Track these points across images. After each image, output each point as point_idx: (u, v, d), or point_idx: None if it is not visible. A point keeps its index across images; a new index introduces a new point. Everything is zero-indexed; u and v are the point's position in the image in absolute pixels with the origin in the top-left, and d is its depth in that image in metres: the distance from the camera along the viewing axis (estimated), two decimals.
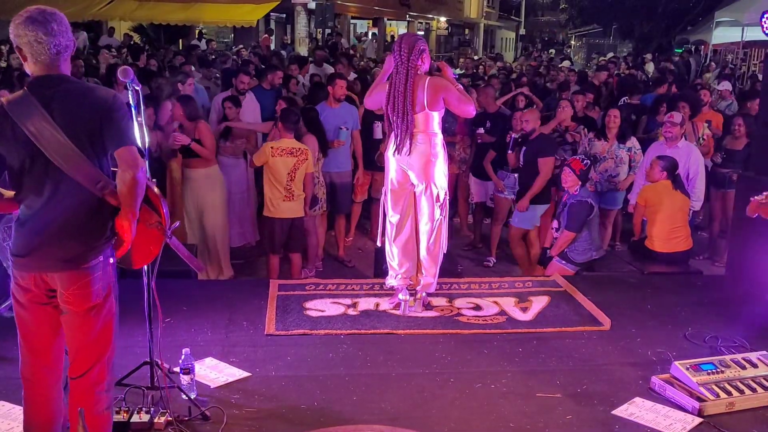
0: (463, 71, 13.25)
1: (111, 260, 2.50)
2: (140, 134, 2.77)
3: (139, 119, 2.76)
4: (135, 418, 2.96)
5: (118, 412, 2.90)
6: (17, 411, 3.07)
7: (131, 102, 2.73)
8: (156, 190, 2.63)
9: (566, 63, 17.40)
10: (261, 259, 6.30)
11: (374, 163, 6.55)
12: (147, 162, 2.77)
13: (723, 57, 18.35)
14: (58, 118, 2.32)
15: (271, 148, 5.39)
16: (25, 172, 2.37)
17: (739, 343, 3.97)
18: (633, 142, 6.50)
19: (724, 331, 4.14)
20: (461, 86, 4.30)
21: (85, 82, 2.51)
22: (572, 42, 45.74)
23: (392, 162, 4.26)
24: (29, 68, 2.42)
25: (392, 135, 4.20)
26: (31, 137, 2.30)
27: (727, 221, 6.46)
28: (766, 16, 4.41)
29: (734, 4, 16.24)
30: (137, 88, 2.80)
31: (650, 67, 15.34)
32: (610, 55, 22.98)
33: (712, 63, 16.95)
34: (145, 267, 3.01)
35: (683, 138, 6.17)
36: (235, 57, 12.49)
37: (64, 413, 2.56)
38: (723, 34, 17.28)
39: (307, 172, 5.47)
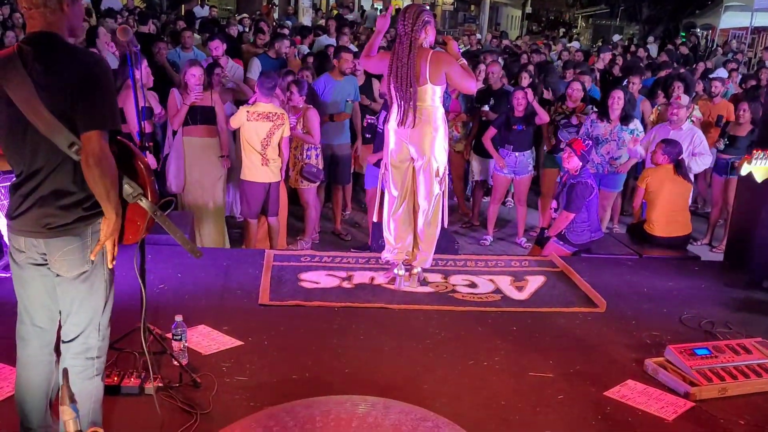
0: (467, 47, 13.08)
1: None
2: (137, 96, 2.75)
3: (137, 80, 2.73)
4: (126, 382, 2.96)
5: (109, 376, 2.89)
6: (7, 371, 3.06)
7: (129, 63, 2.68)
8: (143, 161, 2.40)
9: (575, 44, 17.14)
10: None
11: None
12: (143, 123, 2.73)
13: (729, 43, 18.13)
14: (37, 79, 2.21)
15: (247, 112, 5.31)
16: (7, 132, 2.30)
17: (734, 329, 3.96)
18: (636, 124, 6.42)
19: (719, 316, 4.14)
20: (465, 61, 4.22)
21: (70, 44, 2.32)
22: (579, 22, 45.20)
23: (392, 135, 4.20)
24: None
25: (394, 107, 4.15)
26: (11, 96, 2.21)
27: (727, 208, 6.44)
28: None
29: None
30: (135, 49, 2.76)
31: (654, 50, 15.15)
32: (618, 37, 22.70)
33: (719, 49, 16.76)
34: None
35: (688, 121, 6.12)
36: (238, 24, 12.28)
37: (56, 376, 2.54)
38: (731, 19, 17.07)
39: (283, 136, 5.37)
